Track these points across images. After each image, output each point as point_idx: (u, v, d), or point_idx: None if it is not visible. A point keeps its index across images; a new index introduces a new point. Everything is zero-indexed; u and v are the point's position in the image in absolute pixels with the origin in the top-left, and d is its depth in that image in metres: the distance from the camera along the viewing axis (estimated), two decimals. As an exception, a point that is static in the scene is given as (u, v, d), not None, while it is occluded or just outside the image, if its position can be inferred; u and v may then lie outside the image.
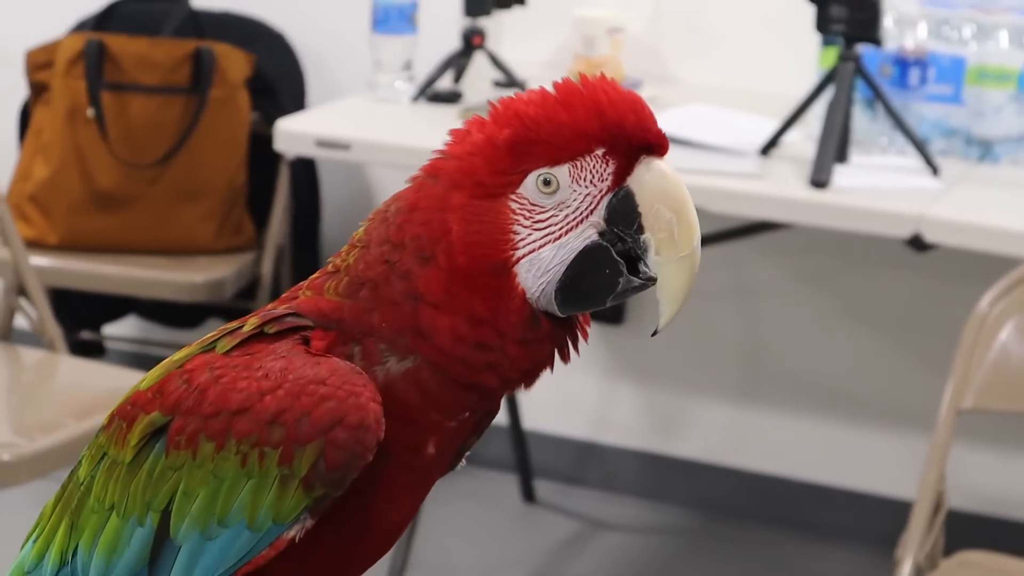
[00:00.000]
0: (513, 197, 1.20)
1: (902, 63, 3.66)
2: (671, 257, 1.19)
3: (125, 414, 1.24)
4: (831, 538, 4.23)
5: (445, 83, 3.89)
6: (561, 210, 1.20)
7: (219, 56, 4.16)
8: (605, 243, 1.20)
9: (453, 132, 1.25)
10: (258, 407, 1.19)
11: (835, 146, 3.38)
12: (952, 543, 2.94)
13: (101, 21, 4.25)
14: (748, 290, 4.29)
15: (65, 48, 4.11)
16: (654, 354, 4.39)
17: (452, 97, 3.88)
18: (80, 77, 4.10)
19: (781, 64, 3.99)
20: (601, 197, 1.20)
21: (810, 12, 3.43)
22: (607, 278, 1.20)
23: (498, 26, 4.02)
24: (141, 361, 4.39)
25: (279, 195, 4.27)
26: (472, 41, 3.84)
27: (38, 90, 4.16)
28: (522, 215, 1.20)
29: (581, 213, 1.20)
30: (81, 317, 4.37)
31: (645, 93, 3.85)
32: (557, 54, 4.17)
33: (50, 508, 1.32)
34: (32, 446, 3.09)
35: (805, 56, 3.75)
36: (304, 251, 4.45)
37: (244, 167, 4.21)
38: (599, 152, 1.19)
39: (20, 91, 4.28)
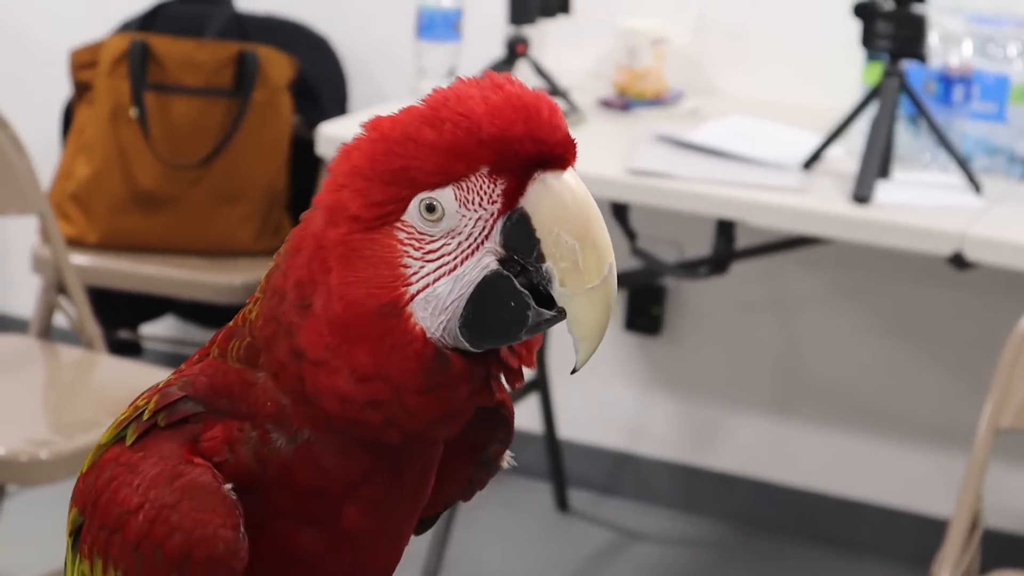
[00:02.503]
0: (399, 226, 1.11)
1: (946, 80, 3.64)
2: (578, 289, 1.09)
3: (75, 493, 1.22)
4: (865, 554, 4.24)
5: None
6: (453, 238, 1.11)
7: (262, 59, 4.21)
8: (506, 272, 1.11)
9: (333, 159, 1.16)
10: (127, 529, 1.15)
11: (878, 162, 3.39)
12: (988, 562, 2.94)
13: (146, 22, 4.28)
14: (787, 304, 4.30)
15: (109, 48, 4.14)
16: (691, 365, 4.40)
17: None
18: (124, 77, 4.13)
19: (825, 78, 4.00)
20: (494, 220, 1.11)
21: (855, 27, 3.43)
22: (514, 311, 1.11)
23: (542, 35, 4.03)
24: (177, 361, 3.96)
25: None
26: (516, 49, 3.85)
27: (82, 89, 4.19)
28: (411, 246, 1.11)
29: (475, 239, 1.11)
30: (119, 316, 4.38)
31: (687, 104, 4.07)
32: (600, 64, 4.19)
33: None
34: (70, 444, 3.11)
35: (849, 71, 3.75)
36: None
37: (285, 170, 4.26)
38: (484, 170, 1.10)
39: (64, 90, 4.31)
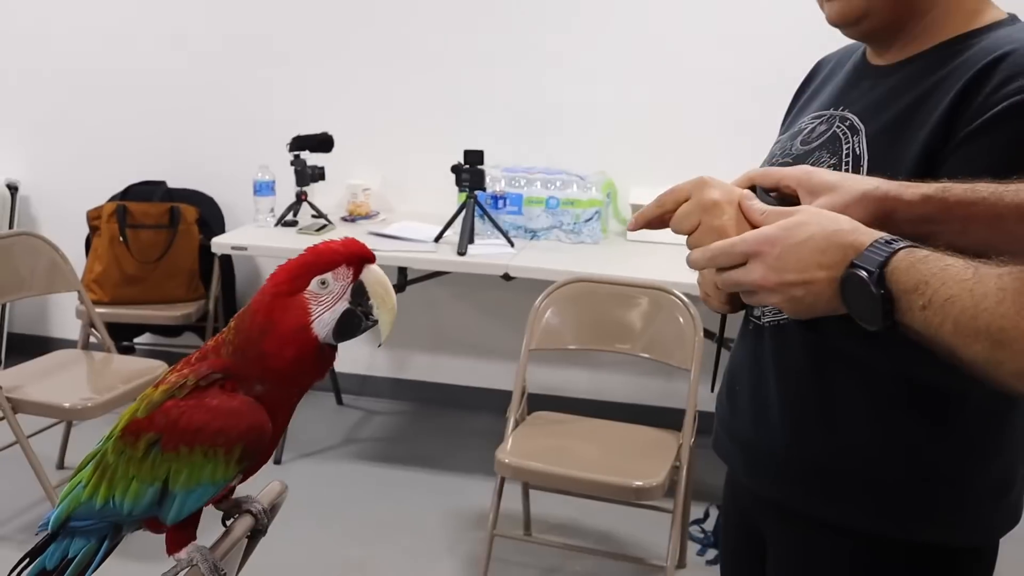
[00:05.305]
0: (305, 294, 1.16)
1: (495, 197, 4.01)
2: (384, 310, 1.17)
3: (132, 432, 1.20)
4: (478, 411, 4.50)
5: (289, 217, 4.13)
6: (330, 294, 1.16)
7: (183, 209, 4.47)
8: (351, 307, 1.18)
9: (278, 268, 1.20)
10: (209, 427, 1.15)
11: (468, 236, 3.73)
12: (532, 408, 3.27)
13: (123, 195, 4.53)
14: (435, 302, 4.50)
15: (106, 209, 4.43)
16: (400, 335, 4.50)
17: (293, 224, 4.11)
18: (115, 222, 4.39)
19: (443, 201, 4.15)
20: (349, 285, 1.17)
21: (452, 177, 3.80)
22: (356, 323, 1.18)
23: (312, 189, 4.20)
24: (154, 355, 4.37)
25: (215, 272, 4.43)
26: (300, 197, 4.15)
27: (94, 229, 4.44)
28: (311, 300, 1.16)
29: (339, 295, 1.17)
30: (122, 335, 4.48)
31: (381, 217, 4.17)
32: (340, 201, 4.41)
33: (91, 469, 1.25)
34: (102, 398, 3.30)
35: (452, 196, 4.02)
36: (228, 299, 4.53)
37: (197, 260, 4.48)
38: (344, 265, 1.17)
39: (84, 230, 4.53)
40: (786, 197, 1.26)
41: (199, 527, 1.26)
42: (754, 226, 1.19)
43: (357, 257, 1.19)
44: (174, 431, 1.18)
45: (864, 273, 1.05)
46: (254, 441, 1.18)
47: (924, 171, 1.26)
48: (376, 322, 1.19)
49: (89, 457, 1.29)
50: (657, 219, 1.26)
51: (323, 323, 1.18)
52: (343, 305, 1.19)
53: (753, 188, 1.28)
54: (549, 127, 4.31)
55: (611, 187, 4.19)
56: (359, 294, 1.19)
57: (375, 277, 1.19)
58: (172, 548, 1.23)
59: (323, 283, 1.18)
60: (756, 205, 1.21)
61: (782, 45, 3.75)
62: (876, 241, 1.08)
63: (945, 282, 0.96)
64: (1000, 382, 0.92)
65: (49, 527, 1.28)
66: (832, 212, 1.16)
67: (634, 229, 1.28)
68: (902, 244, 1.07)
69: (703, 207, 1.22)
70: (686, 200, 1.23)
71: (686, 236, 1.24)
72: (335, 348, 1.21)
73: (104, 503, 1.23)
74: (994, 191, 1.14)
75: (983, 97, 1.24)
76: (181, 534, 1.23)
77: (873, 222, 1.18)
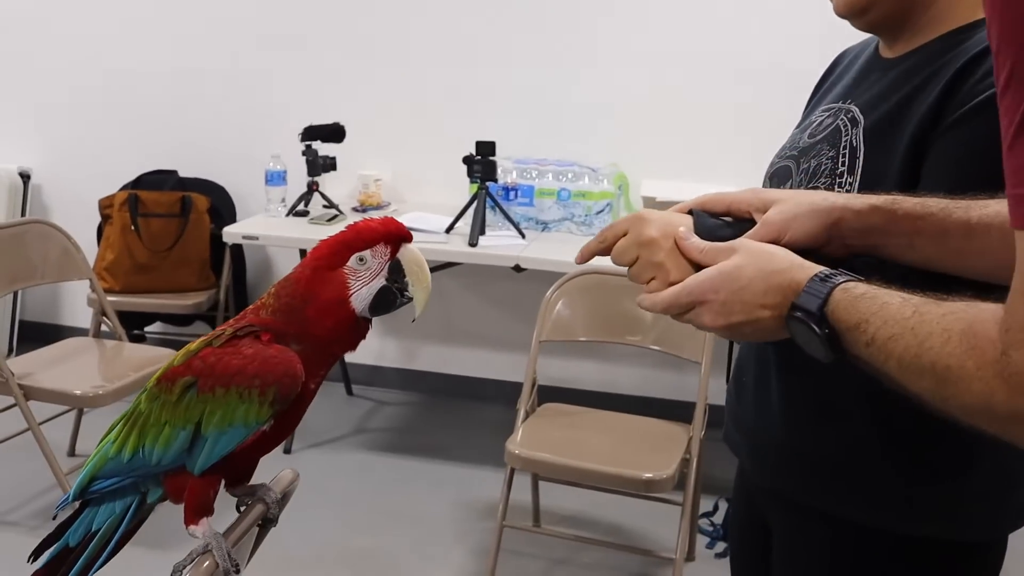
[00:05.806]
0: (344, 269, 1.20)
1: (507, 188, 4.07)
2: (419, 288, 1.21)
3: (168, 378, 1.23)
4: (488, 402, 4.55)
5: (300, 207, 4.20)
6: (367, 270, 1.20)
7: (194, 199, 4.52)
8: (388, 284, 1.21)
9: (320, 243, 1.24)
10: (245, 370, 1.18)
11: (479, 227, 3.79)
12: (541, 399, 3.31)
13: (135, 183, 4.60)
14: (445, 293, 4.54)
15: (118, 197, 4.48)
16: (410, 329, 4.68)
17: (304, 214, 4.18)
18: (127, 211, 4.45)
19: (454, 191, 4.17)
20: (386, 263, 1.21)
21: (463, 168, 3.85)
22: (391, 299, 1.22)
23: (323, 179, 4.29)
24: (165, 343, 4.60)
25: (226, 261, 4.52)
26: (312, 187, 4.22)
27: (105, 218, 4.50)
28: (350, 275, 1.20)
29: (377, 271, 1.21)
30: (133, 323, 4.55)
31: (392, 208, 4.20)
32: (351, 191, 4.48)
33: (121, 426, 1.28)
34: (113, 385, 3.33)
35: (463, 188, 4.02)
36: (239, 288, 4.64)
37: (208, 249, 4.54)
38: (382, 243, 1.21)
39: (96, 218, 4.58)
40: (740, 219, 1.30)
41: (212, 516, 1.27)
42: (693, 264, 1.22)
43: (395, 236, 1.23)
44: (211, 374, 1.21)
45: (804, 315, 1.08)
46: (288, 386, 1.20)
47: (914, 160, 1.28)
48: (411, 299, 1.23)
49: (117, 421, 1.31)
50: (603, 250, 1.31)
51: (360, 298, 1.22)
52: (380, 282, 1.23)
53: (690, 211, 1.31)
54: (561, 119, 4.32)
55: (623, 180, 4.19)
56: (396, 271, 1.23)
57: (411, 256, 1.23)
58: (190, 517, 1.25)
59: (361, 260, 1.22)
60: (695, 243, 1.24)
61: (795, 39, 3.83)
62: (813, 279, 1.10)
63: (886, 321, 0.98)
64: (948, 414, 0.93)
65: (71, 497, 1.31)
66: (768, 246, 1.19)
67: (581, 262, 1.33)
68: (839, 279, 1.08)
69: (640, 243, 1.26)
70: (625, 235, 1.27)
71: (627, 268, 1.29)
72: (370, 321, 1.25)
73: (133, 453, 1.26)
74: (944, 207, 1.16)
75: (970, 86, 1.26)
76: (202, 499, 1.25)
77: (822, 232, 1.22)
